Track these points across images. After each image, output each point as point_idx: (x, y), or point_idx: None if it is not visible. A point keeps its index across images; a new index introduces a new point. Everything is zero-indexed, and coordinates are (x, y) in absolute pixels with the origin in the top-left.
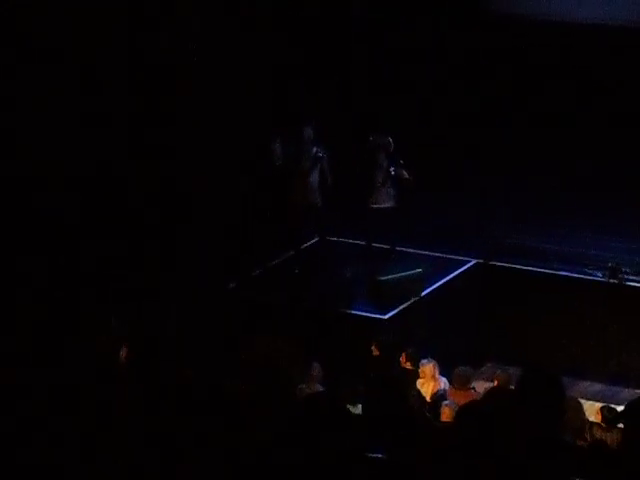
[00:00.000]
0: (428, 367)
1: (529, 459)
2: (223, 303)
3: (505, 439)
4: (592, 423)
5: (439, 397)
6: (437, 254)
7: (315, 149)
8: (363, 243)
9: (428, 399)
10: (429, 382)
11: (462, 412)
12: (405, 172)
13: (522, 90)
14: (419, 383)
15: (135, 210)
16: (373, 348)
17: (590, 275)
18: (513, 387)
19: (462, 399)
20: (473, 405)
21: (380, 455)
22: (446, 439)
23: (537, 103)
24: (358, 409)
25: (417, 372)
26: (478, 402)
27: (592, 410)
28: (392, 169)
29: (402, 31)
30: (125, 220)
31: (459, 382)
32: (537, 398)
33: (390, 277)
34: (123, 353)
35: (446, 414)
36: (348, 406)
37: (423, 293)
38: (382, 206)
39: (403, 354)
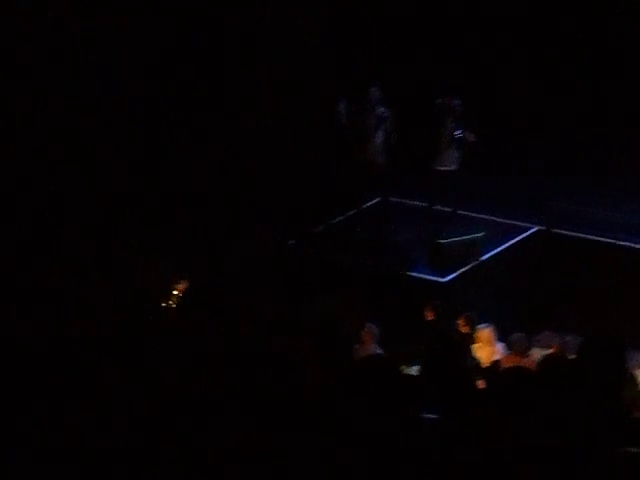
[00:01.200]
0: (485, 332)
1: (585, 427)
2: (283, 259)
3: (560, 406)
4: None
5: (493, 363)
6: (499, 219)
7: (380, 109)
8: (425, 205)
9: (485, 364)
10: (486, 347)
11: (511, 375)
12: (471, 135)
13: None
14: (476, 348)
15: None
16: (427, 312)
17: None
18: (570, 355)
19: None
20: (522, 370)
21: (435, 416)
22: (496, 402)
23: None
24: (414, 371)
25: (474, 337)
26: (529, 368)
27: None
28: (458, 132)
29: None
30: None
31: (516, 348)
32: (598, 363)
33: (451, 240)
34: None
35: None
36: (405, 367)
37: (483, 257)
38: (446, 168)
39: (461, 318)
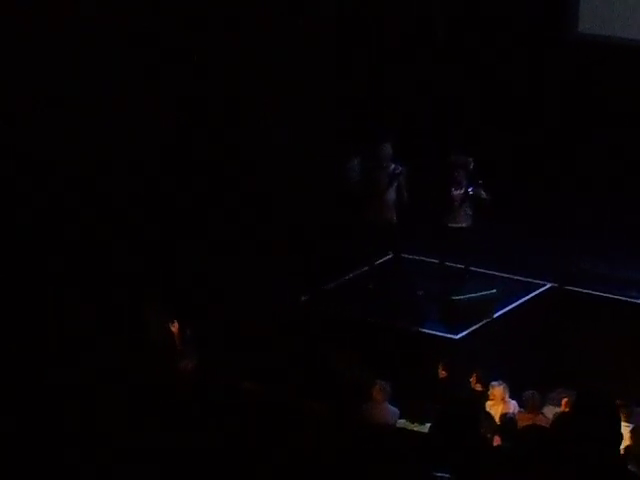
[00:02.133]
0: (498, 389)
1: None
2: (294, 316)
3: (569, 463)
4: None
5: (508, 420)
6: (512, 276)
7: (393, 166)
8: (437, 262)
9: (497, 421)
10: (499, 405)
11: (525, 434)
12: (483, 192)
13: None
14: (488, 405)
15: (214, 221)
16: (440, 369)
17: None
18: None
19: (531, 423)
20: (537, 428)
21: (447, 475)
22: (511, 462)
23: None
24: (426, 428)
25: (487, 394)
26: (542, 426)
27: None
28: (471, 189)
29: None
30: (206, 230)
31: (529, 406)
32: (591, 422)
33: (463, 297)
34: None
35: None
36: (416, 425)
37: (496, 315)
38: (459, 225)
39: (473, 375)
